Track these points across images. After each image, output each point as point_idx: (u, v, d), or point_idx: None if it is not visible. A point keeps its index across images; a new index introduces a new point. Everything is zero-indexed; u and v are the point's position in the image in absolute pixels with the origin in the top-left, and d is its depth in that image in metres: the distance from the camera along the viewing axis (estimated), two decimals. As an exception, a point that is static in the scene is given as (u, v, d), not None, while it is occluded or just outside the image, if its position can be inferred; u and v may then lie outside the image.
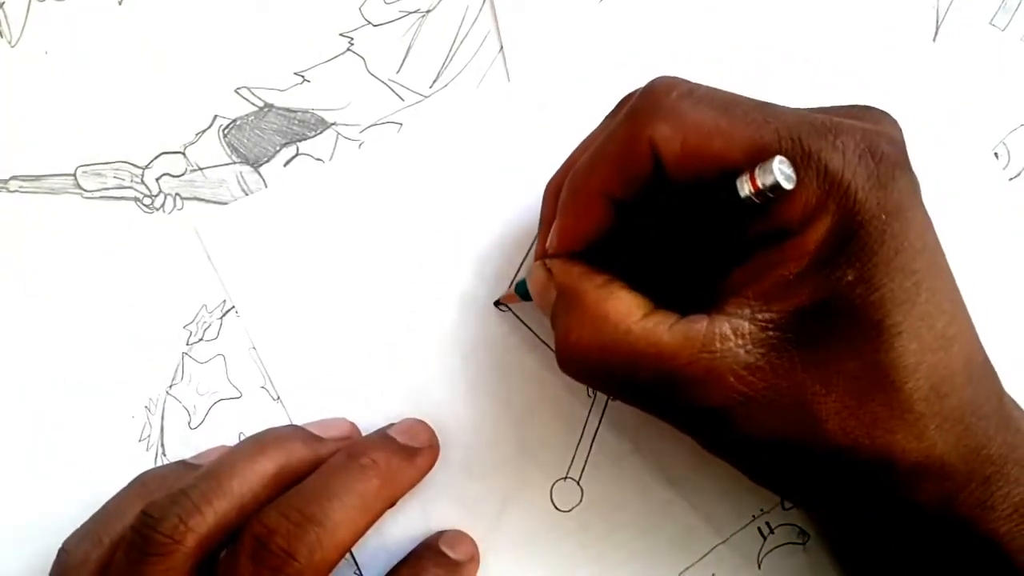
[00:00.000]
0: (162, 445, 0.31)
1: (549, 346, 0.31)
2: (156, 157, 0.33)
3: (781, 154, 0.22)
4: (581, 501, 0.31)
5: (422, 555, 0.29)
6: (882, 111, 0.25)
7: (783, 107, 0.24)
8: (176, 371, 0.32)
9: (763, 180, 0.21)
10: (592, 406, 0.31)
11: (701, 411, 0.23)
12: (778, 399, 0.23)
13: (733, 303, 0.23)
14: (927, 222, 0.23)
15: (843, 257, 0.22)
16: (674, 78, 0.25)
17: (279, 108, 0.33)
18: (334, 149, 0.33)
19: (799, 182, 0.22)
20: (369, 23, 0.34)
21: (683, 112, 0.23)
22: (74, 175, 0.33)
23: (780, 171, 0.21)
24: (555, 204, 0.27)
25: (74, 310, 0.32)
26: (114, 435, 0.31)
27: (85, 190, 0.33)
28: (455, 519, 0.31)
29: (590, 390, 0.31)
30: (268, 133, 0.33)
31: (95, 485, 0.30)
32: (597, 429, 0.31)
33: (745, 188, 0.22)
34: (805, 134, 0.22)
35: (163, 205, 0.33)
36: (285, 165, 0.33)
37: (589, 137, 0.28)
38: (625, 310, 0.24)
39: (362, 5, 0.34)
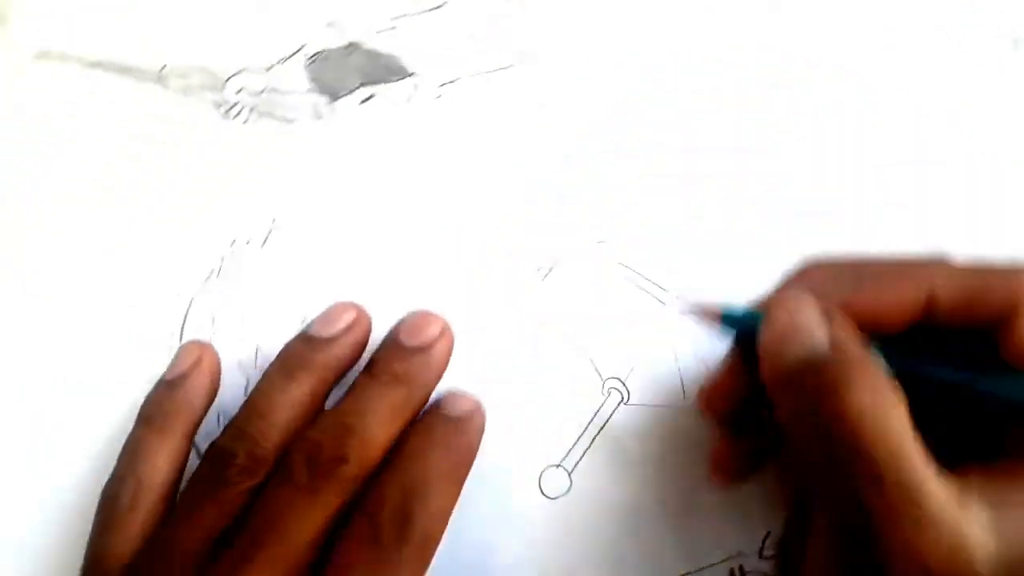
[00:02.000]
0: (181, 336, 0.32)
1: (577, 337, 0.31)
2: (240, 71, 0.34)
3: None
4: (568, 492, 0.30)
5: (427, 422, 0.29)
6: None
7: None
8: (211, 273, 0.32)
9: None
10: (604, 403, 0.31)
11: None
12: None
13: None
14: None
15: None
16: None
17: (366, 49, 0.34)
18: (409, 100, 0.33)
19: None
20: (471, -16, 0.34)
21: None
22: (161, 70, 0.34)
23: None
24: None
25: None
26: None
27: (169, 86, 0.34)
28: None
29: (605, 387, 0.31)
30: (350, 71, 0.34)
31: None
32: (603, 427, 0.30)
33: None
34: None
35: (237, 115, 0.34)
36: (360, 104, 0.33)
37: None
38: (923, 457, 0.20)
39: (468, -34, 0.34)
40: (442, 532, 0.27)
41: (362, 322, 0.30)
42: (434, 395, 0.29)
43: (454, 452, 0.28)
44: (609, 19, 0.33)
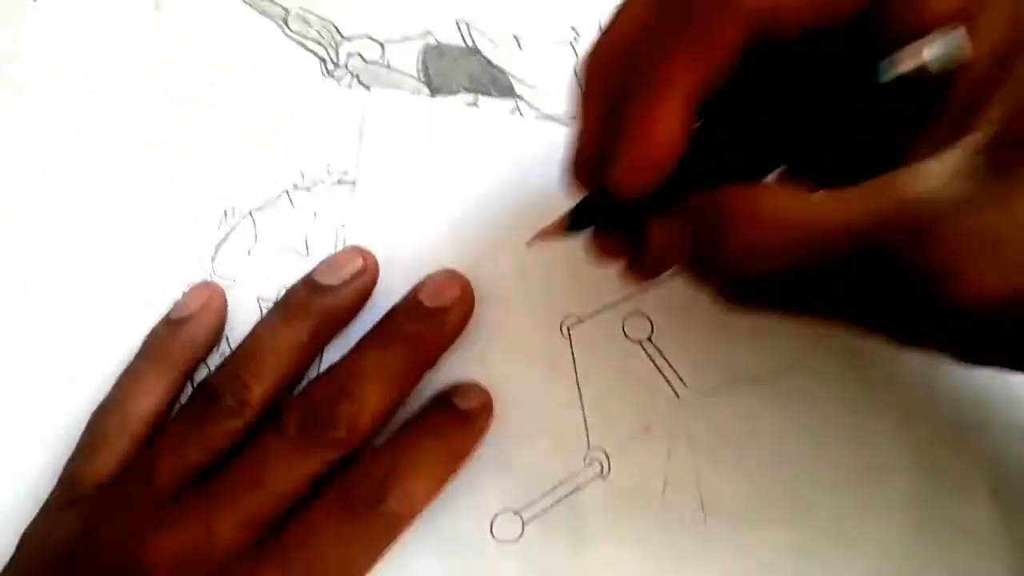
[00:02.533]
0: (214, 257, 0.32)
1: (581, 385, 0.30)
2: (360, 37, 0.35)
3: None
4: (516, 541, 0.29)
5: (433, 407, 0.29)
6: None
7: None
8: (269, 201, 0.33)
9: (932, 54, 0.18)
10: (582, 470, 0.30)
11: (922, 273, 0.18)
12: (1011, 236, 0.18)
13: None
14: None
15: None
16: None
17: (483, 57, 0.34)
18: (502, 120, 0.34)
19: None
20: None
21: None
22: (287, 10, 0.35)
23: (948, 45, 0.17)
24: (599, 100, 0.23)
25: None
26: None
27: (289, 27, 0.35)
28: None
29: (589, 456, 0.30)
30: (460, 74, 0.34)
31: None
32: (571, 493, 0.29)
33: (901, 66, 0.18)
34: None
35: (341, 78, 0.34)
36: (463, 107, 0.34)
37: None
38: (785, 198, 0.20)
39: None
40: (414, 517, 0.27)
41: (369, 271, 0.30)
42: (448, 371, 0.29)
43: (448, 445, 0.28)
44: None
